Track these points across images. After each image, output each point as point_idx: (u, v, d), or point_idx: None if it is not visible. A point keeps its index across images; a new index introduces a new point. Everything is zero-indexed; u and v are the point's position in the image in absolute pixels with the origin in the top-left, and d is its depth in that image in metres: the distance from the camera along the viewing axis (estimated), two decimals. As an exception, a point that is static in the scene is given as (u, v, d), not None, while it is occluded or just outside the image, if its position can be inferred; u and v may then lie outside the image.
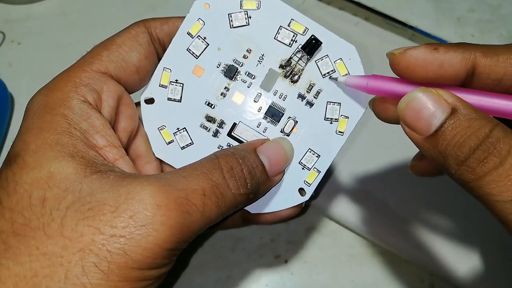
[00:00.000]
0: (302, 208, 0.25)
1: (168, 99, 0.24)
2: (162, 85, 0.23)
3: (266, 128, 0.24)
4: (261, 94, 0.24)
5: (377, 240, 0.32)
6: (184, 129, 0.24)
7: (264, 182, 0.22)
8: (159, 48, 0.23)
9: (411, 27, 0.39)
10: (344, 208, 0.32)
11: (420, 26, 0.40)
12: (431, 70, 0.19)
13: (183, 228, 0.18)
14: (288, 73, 0.23)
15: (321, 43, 0.23)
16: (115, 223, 0.17)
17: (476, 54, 0.19)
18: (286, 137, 0.24)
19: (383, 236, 0.32)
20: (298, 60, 0.23)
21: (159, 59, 0.24)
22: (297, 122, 0.24)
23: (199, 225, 0.19)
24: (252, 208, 0.24)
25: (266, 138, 0.24)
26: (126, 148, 0.24)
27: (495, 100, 0.19)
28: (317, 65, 0.23)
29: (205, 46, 0.23)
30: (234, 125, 0.24)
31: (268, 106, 0.24)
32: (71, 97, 0.20)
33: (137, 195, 0.17)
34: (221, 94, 0.24)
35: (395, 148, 0.34)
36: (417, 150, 0.23)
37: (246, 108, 0.24)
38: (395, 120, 0.21)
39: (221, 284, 0.31)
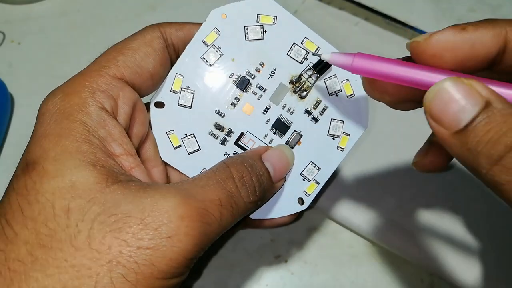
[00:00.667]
0: (301, 211, 0.26)
1: (178, 105, 0.24)
2: (173, 90, 0.24)
3: (272, 139, 0.24)
4: (270, 107, 0.24)
5: (377, 240, 0.32)
6: (193, 135, 0.24)
7: (269, 188, 0.22)
8: (172, 54, 0.23)
9: (411, 27, 0.39)
10: (344, 209, 0.32)
11: (420, 26, 0.40)
12: (462, 52, 0.17)
13: (203, 237, 0.19)
14: (297, 89, 0.24)
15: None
16: (142, 236, 0.17)
17: (507, 29, 0.17)
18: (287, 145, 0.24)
19: (383, 236, 0.32)
20: (308, 78, 0.24)
21: (172, 64, 0.24)
22: (302, 136, 0.25)
23: (216, 234, 0.20)
24: (253, 215, 0.24)
25: (269, 142, 0.24)
26: (138, 151, 0.24)
27: None
28: (325, 83, 0.24)
29: (219, 55, 0.24)
30: (242, 134, 0.24)
31: (275, 119, 0.24)
32: (89, 103, 0.20)
33: (162, 207, 0.18)
34: (231, 104, 0.24)
35: (396, 148, 0.34)
36: (420, 145, 0.23)
37: (255, 119, 0.24)
38: (389, 101, 0.20)
39: (221, 284, 0.31)
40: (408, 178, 0.33)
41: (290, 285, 0.31)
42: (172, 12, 0.44)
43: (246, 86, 0.24)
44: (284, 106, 0.24)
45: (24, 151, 0.19)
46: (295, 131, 0.24)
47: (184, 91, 0.24)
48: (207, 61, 0.24)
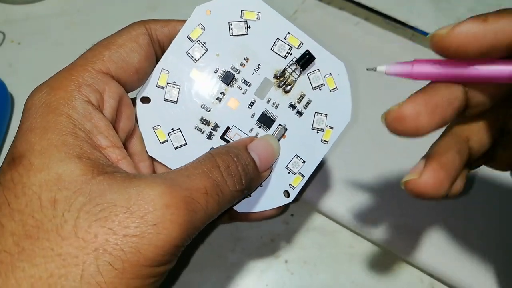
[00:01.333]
0: (287, 204, 0.26)
1: (164, 100, 0.24)
2: (159, 85, 0.24)
3: (258, 133, 0.25)
4: (255, 101, 0.25)
5: (377, 240, 0.32)
6: (179, 130, 0.24)
7: (255, 178, 0.23)
8: (158, 50, 0.24)
9: (411, 27, 0.39)
10: (345, 208, 0.32)
11: (420, 26, 0.40)
12: (486, 42, 0.17)
13: (189, 225, 0.19)
14: (282, 83, 0.25)
15: (314, 58, 0.24)
16: (128, 224, 0.18)
17: None
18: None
19: (383, 236, 0.32)
20: (291, 72, 0.24)
21: (158, 60, 0.24)
22: (287, 129, 0.25)
23: (203, 222, 0.20)
24: (239, 208, 0.25)
25: (254, 136, 0.25)
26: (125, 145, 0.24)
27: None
28: (308, 78, 0.25)
29: (204, 51, 0.24)
30: (228, 128, 0.25)
31: (261, 113, 0.25)
32: (74, 97, 0.20)
33: (147, 196, 0.18)
34: (217, 99, 0.24)
35: (396, 148, 0.34)
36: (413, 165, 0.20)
37: (240, 113, 0.25)
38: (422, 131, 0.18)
39: (221, 284, 0.31)
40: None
41: (290, 285, 0.31)
42: (172, 12, 0.44)
43: (231, 81, 0.24)
44: (269, 101, 0.25)
45: (11, 145, 0.20)
46: (280, 125, 0.25)
47: (170, 86, 0.24)
48: (192, 57, 0.24)
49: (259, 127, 0.25)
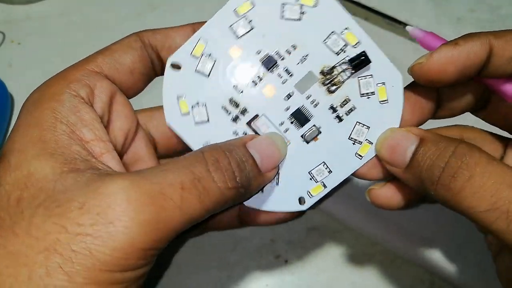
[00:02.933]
0: (301, 212, 0.25)
1: (196, 71, 0.22)
2: (193, 55, 0.22)
3: (288, 129, 0.23)
4: (293, 94, 0.23)
5: (378, 240, 0.32)
6: (204, 105, 0.23)
7: (256, 176, 0.21)
8: (152, 54, 0.23)
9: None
10: (345, 208, 0.32)
11: (420, 26, 0.39)
12: (460, 63, 0.20)
13: (159, 225, 0.17)
14: (327, 81, 0.22)
15: (370, 62, 0.22)
16: (82, 221, 0.16)
17: (490, 38, 0.20)
18: (278, 133, 0.23)
19: (383, 236, 0.32)
20: (341, 72, 0.22)
21: (154, 65, 0.24)
22: (320, 132, 0.23)
23: (179, 222, 0.18)
24: (248, 201, 0.23)
25: (256, 134, 0.23)
26: (125, 150, 0.24)
27: None
28: (358, 82, 0.22)
29: (249, 28, 0.22)
30: (256, 116, 0.23)
31: (296, 108, 0.23)
32: (63, 92, 0.20)
33: (106, 190, 0.17)
34: (253, 82, 0.23)
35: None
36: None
37: (274, 103, 0.23)
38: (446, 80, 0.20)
39: (221, 284, 0.31)
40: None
41: (290, 285, 0.31)
42: (172, 13, 0.44)
43: (272, 67, 0.22)
44: (308, 97, 0.23)
45: None
46: (314, 125, 0.23)
47: (204, 57, 0.22)
48: (235, 32, 0.22)
49: (291, 123, 0.23)
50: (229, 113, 0.23)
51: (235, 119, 0.23)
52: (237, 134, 0.23)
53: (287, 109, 0.23)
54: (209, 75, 0.22)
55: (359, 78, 0.22)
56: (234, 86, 0.22)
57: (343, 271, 0.32)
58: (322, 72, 0.22)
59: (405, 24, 0.40)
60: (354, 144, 0.23)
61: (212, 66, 0.22)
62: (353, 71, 0.22)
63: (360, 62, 0.22)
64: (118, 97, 0.22)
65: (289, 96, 0.23)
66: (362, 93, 0.23)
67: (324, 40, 0.22)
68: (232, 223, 0.26)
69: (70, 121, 0.19)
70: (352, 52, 0.22)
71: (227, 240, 0.32)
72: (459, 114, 0.25)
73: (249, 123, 0.23)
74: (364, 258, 0.32)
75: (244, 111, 0.23)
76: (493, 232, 0.17)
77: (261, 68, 0.22)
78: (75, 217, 0.16)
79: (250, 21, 0.22)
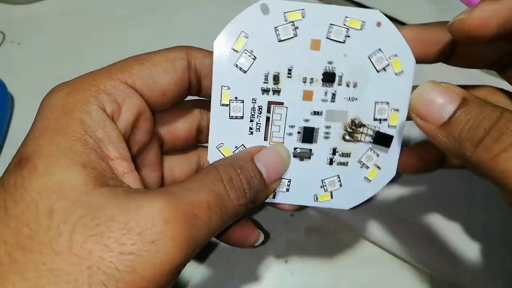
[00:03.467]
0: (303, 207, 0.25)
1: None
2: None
3: (291, 134, 0.23)
4: (320, 114, 0.23)
5: (377, 240, 0.32)
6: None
7: (262, 190, 0.22)
8: (193, 78, 0.23)
9: (411, 27, 0.39)
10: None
11: (420, 26, 0.39)
12: (502, 18, 0.19)
13: (191, 243, 0.18)
14: (349, 130, 0.23)
15: (389, 147, 0.23)
16: (124, 240, 0.17)
17: None
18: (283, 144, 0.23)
19: (383, 236, 0.32)
20: (363, 133, 0.23)
21: (191, 88, 0.23)
22: (309, 158, 0.23)
23: (205, 238, 0.19)
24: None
25: (263, 146, 0.23)
26: (135, 157, 0.23)
27: None
28: (366, 152, 0.23)
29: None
30: (281, 104, 0.23)
31: (312, 126, 0.23)
32: (91, 102, 0.19)
33: (146, 211, 0.17)
34: (304, 77, 0.23)
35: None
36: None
37: (302, 107, 0.23)
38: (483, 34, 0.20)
39: (221, 284, 0.31)
40: (408, 178, 0.33)
41: (290, 285, 0.31)
42: (173, 13, 0.44)
43: (328, 81, 0.22)
44: (327, 127, 0.23)
45: (21, 145, 0.19)
46: (310, 149, 0.23)
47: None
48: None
49: (298, 133, 0.23)
50: (266, 82, 0.23)
51: (267, 90, 0.23)
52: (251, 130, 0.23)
53: (306, 120, 0.23)
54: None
55: (370, 150, 0.23)
56: (290, 66, 0.22)
57: (343, 271, 0.32)
58: (353, 120, 0.23)
59: (405, 25, 0.39)
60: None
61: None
62: (371, 141, 0.23)
63: (382, 141, 0.23)
64: (144, 114, 0.22)
65: (316, 113, 0.23)
66: (360, 160, 0.23)
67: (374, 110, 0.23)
68: None
69: (98, 136, 0.19)
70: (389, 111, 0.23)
71: (227, 240, 0.32)
72: (476, 68, 0.25)
73: (271, 103, 0.23)
74: (364, 258, 0.32)
75: (277, 91, 0.23)
76: None
77: (319, 75, 0.22)
78: (118, 237, 0.17)
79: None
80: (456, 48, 0.23)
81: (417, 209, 0.32)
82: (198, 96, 0.24)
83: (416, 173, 0.25)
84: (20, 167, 0.18)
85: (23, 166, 0.18)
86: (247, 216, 0.26)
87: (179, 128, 0.25)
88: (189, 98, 0.25)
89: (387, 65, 0.22)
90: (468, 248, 0.31)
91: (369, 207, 0.32)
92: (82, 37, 0.42)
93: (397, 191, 0.33)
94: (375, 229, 0.32)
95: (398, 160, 0.23)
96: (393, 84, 0.22)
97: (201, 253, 0.32)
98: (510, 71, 0.24)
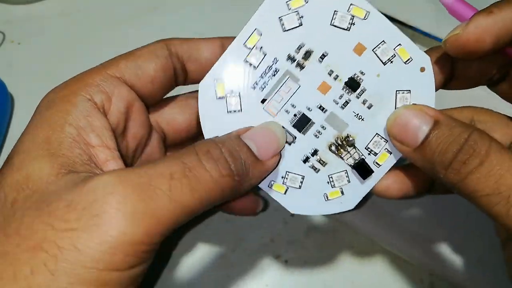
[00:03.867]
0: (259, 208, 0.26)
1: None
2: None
3: (288, 111, 0.23)
4: (324, 111, 0.23)
5: (377, 240, 0.32)
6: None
7: (253, 164, 0.20)
8: (177, 64, 0.23)
9: (411, 27, 0.39)
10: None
11: (420, 26, 0.39)
12: (497, 32, 0.19)
13: (147, 216, 0.16)
14: (339, 143, 0.23)
15: (366, 177, 0.23)
16: (68, 217, 0.16)
17: None
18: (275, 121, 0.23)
19: (383, 236, 0.32)
20: (349, 153, 0.23)
21: (177, 75, 0.24)
22: (294, 142, 0.23)
23: (171, 212, 0.17)
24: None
25: (251, 126, 0.23)
26: (137, 154, 0.24)
27: None
28: (342, 172, 0.23)
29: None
30: (297, 84, 0.23)
31: (310, 118, 0.23)
32: (77, 94, 0.20)
33: (92, 185, 0.16)
34: (320, 60, 0.22)
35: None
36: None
37: (312, 94, 0.23)
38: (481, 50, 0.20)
39: (221, 284, 0.31)
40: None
41: (290, 285, 0.31)
42: (172, 13, 0.44)
43: (352, 88, 0.22)
44: (323, 126, 0.23)
45: None
46: (295, 137, 0.23)
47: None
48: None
49: (294, 115, 0.23)
50: (297, 52, 0.22)
51: (293, 59, 0.22)
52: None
53: (308, 109, 0.23)
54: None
55: (345, 172, 0.23)
56: (326, 51, 0.22)
57: (343, 271, 0.32)
58: (348, 136, 0.23)
59: (405, 24, 0.40)
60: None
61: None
62: (351, 165, 0.23)
63: (361, 171, 0.23)
64: (136, 104, 0.22)
65: (321, 108, 0.23)
66: (331, 176, 0.23)
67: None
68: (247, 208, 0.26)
69: (80, 125, 0.19)
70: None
71: (227, 240, 0.32)
72: (474, 87, 0.24)
73: (288, 72, 0.22)
74: (364, 258, 0.32)
75: (301, 66, 0.22)
76: (494, 217, 0.18)
77: (346, 77, 0.22)
78: (62, 214, 0.16)
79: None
80: (455, 70, 0.23)
81: (417, 209, 0.32)
82: (186, 84, 0.25)
83: (402, 198, 0.24)
84: (3, 167, 0.19)
85: (5, 164, 0.19)
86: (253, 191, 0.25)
87: (179, 120, 0.25)
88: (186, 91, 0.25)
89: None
90: (469, 248, 0.31)
91: (369, 207, 0.32)
92: (82, 37, 0.42)
93: (397, 191, 0.33)
94: (375, 229, 0.32)
95: (363, 197, 0.24)
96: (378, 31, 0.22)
97: (201, 253, 0.32)
98: (501, 85, 0.24)
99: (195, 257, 0.32)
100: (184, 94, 0.26)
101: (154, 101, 0.24)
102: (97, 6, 0.44)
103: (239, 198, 0.25)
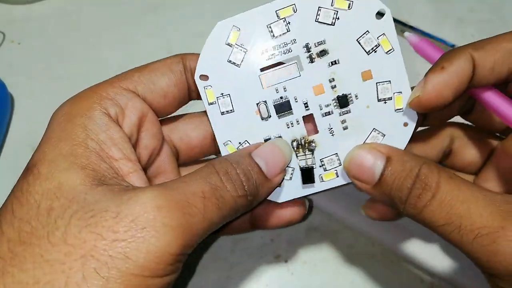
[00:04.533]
0: (306, 210, 0.26)
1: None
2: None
3: (266, 102, 0.23)
4: (307, 107, 0.23)
5: (377, 240, 0.32)
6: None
7: (262, 183, 0.22)
8: (190, 79, 0.24)
9: (411, 27, 0.39)
10: (345, 208, 0.32)
11: (420, 26, 0.40)
12: (452, 85, 0.20)
13: (186, 230, 0.18)
14: (299, 145, 0.24)
15: (309, 182, 0.24)
16: (117, 228, 0.17)
17: (470, 51, 0.20)
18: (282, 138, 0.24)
19: (383, 236, 0.32)
20: (307, 150, 0.24)
21: (191, 90, 0.24)
22: (270, 117, 0.24)
23: (202, 228, 0.19)
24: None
25: (261, 142, 0.24)
26: (149, 165, 0.24)
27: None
28: (291, 169, 0.24)
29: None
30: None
31: (286, 103, 0.23)
32: (94, 108, 0.21)
33: (139, 199, 0.18)
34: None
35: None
36: None
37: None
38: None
39: (221, 284, 0.31)
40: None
41: (290, 285, 0.31)
42: (172, 13, 0.44)
43: (341, 103, 0.23)
44: (297, 121, 0.24)
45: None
46: (270, 116, 0.24)
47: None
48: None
49: (280, 98, 0.23)
50: (309, 51, 0.23)
51: (309, 50, 0.23)
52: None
53: (295, 99, 0.23)
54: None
55: (292, 170, 0.24)
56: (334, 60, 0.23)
57: (343, 271, 0.32)
58: (311, 142, 0.24)
59: (405, 24, 0.40)
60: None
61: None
62: (300, 168, 0.24)
63: (304, 174, 0.24)
64: (148, 116, 0.23)
65: (305, 105, 0.23)
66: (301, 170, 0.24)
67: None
68: (244, 227, 0.26)
69: (100, 139, 0.20)
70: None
71: (227, 240, 0.32)
72: (447, 120, 0.26)
73: (263, 69, 0.23)
74: (364, 258, 0.32)
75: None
76: (451, 243, 0.20)
77: (341, 92, 0.23)
78: (111, 225, 0.17)
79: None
80: (427, 115, 0.25)
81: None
82: (200, 99, 0.25)
83: (386, 220, 0.26)
84: (27, 174, 0.19)
85: (29, 173, 0.19)
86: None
87: (192, 136, 0.25)
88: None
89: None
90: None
91: (369, 207, 0.32)
92: (82, 37, 0.42)
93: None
94: (375, 229, 0.32)
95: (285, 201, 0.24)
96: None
97: (201, 253, 0.32)
98: (472, 115, 0.26)
99: (195, 257, 0.32)
100: (199, 112, 0.26)
101: (166, 114, 0.24)
102: (97, 6, 0.44)
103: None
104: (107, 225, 0.17)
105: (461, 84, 0.20)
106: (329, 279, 0.31)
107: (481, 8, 0.42)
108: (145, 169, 0.24)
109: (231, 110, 0.23)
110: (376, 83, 0.23)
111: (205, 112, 0.25)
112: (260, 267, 0.32)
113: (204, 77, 0.23)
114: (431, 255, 0.31)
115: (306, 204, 0.26)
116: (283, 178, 0.24)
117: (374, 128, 0.23)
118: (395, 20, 0.41)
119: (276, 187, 0.23)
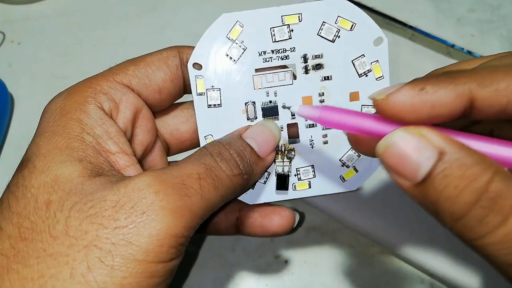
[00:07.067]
0: (295, 224, 0.26)
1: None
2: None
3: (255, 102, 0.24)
4: (294, 117, 0.24)
5: (377, 240, 0.32)
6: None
7: (256, 162, 0.22)
8: (186, 74, 0.23)
9: (411, 27, 0.39)
10: (345, 208, 0.32)
11: (420, 26, 0.40)
12: (422, 113, 0.16)
13: (185, 211, 0.18)
14: (280, 148, 0.24)
15: (283, 189, 0.24)
16: (117, 216, 0.17)
17: (471, 87, 0.16)
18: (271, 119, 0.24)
19: (383, 236, 0.32)
20: (290, 154, 0.24)
21: (186, 85, 0.24)
22: (256, 116, 0.24)
23: (201, 208, 0.19)
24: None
25: (249, 125, 0.24)
26: (141, 159, 0.24)
27: (499, 148, 0.16)
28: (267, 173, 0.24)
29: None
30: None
31: (266, 105, 0.24)
32: (88, 102, 0.20)
33: (135, 186, 0.18)
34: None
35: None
36: None
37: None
38: (372, 155, 0.18)
39: (221, 284, 0.31)
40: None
41: (290, 285, 0.31)
42: (172, 13, 0.44)
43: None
44: (281, 128, 0.24)
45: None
46: (256, 118, 0.24)
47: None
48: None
49: (270, 102, 0.24)
50: (305, 62, 0.23)
51: (306, 61, 0.23)
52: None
53: (283, 106, 0.24)
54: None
55: (268, 174, 0.24)
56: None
57: (343, 271, 0.32)
58: (291, 150, 0.24)
59: (405, 24, 0.40)
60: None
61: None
62: (276, 173, 0.24)
63: (280, 182, 0.24)
64: (143, 112, 0.23)
65: (293, 114, 0.24)
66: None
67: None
68: (230, 230, 0.26)
69: (96, 133, 0.20)
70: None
71: (226, 240, 0.32)
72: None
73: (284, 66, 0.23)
74: (364, 258, 0.32)
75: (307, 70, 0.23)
76: None
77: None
78: (111, 214, 0.17)
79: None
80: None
81: (417, 209, 0.32)
82: None
83: None
84: (21, 169, 0.19)
85: (24, 167, 0.19)
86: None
87: (182, 130, 0.25)
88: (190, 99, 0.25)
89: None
90: (469, 249, 0.31)
91: (369, 207, 0.32)
92: (82, 37, 0.42)
93: (398, 191, 0.33)
94: (375, 229, 0.32)
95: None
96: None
97: (201, 252, 0.32)
98: (473, 128, 0.21)
99: (195, 257, 0.32)
100: (188, 102, 0.26)
101: (160, 109, 0.24)
102: (97, 6, 0.44)
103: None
104: (107, 214, 0.17)
105: (437, 116, 0.16)
106: (329, 279, 0.31)
107: (481, 8, 0.42)
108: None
109: (218, 105, 0.24)
110: (362, 105, 0.23)
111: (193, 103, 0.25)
112: (260, 267, 0.32)
113: (197, 66, 0.23)
114: (431, 255, 0.31)
115: (296, 218, 0.26)
116: (274, 157, 0.24)
117: (351, 148, 0.23)
118: (394, 20, 0.41)
119: (270, 166, 0.24)
